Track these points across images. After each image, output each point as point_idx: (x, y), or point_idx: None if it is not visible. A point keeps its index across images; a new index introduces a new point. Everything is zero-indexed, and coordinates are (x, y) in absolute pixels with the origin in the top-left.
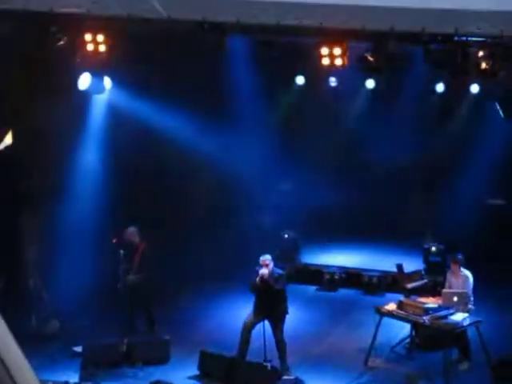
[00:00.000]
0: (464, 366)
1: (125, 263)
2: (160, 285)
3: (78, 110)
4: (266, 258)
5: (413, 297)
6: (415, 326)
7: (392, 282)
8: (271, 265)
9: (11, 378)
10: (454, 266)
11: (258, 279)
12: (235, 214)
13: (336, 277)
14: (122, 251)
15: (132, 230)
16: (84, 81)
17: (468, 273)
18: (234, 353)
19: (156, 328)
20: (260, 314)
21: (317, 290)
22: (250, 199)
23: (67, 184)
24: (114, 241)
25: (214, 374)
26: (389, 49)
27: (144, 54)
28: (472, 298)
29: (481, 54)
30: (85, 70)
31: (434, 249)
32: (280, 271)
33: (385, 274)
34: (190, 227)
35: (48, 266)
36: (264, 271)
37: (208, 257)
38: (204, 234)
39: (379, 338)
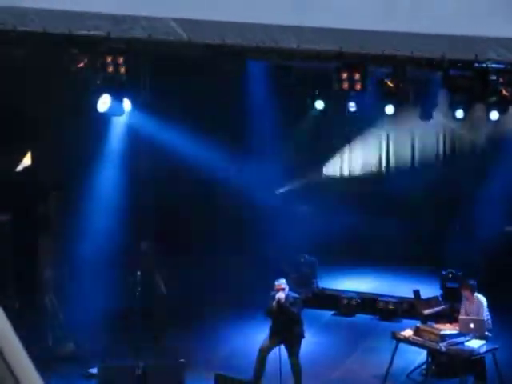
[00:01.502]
0: None
1: (142, 284)
2: (175, 306)
3: (97, 132)
4: (282, 283)
5: (429, 323)
6: (431, 352)
7: (409, 308)
8: (287, 289)
9: (10, 370)
10: (465, 292)
11: (274, 303)
12: (249, 239)
13: (353, 302)
14: (138, 272)
15: (147, 245)
16: (103, 103)
17: (482, 298)
18: (250, 377)
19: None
20: (276, 338)
21: (333, 314)
22: (266, 223)
23: (85, 207)
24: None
25: None
26: (408, 74)
27: (164, 78)
28: (489, 322)
29: (501, 80)
30: (104, 92)
31: (451, 275)
32: (296, 295)
33: (401, 300)
34: (206, 252)
35: (64, 288)
36: (280, 295)
37: (223, 281)
38: (220, 259)
39: (395, 365)
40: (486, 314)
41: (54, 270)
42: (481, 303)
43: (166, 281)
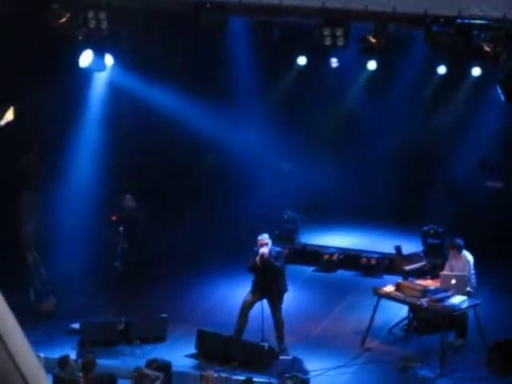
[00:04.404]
0: (458, 342)
1: (124, 240)
2: (159, 262)
3: (79, 89)
4: (265, 237)
5: (411, 279)
6: (413, 308)
7: (390, 264)
8: (270, 243)
9: (14, 362)
10: (453, 251)
11: (257, 258)
12: (235, 195)
13: (334, 258)
14: (121, 228)
15: (130, 197)
16: (86, 58)
17: (469, 255)
18: (231, 332)
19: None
20: (259, 292)
21: (314, 270)
22: (249, 179)
23: (67, 161)
24: (114, 218)
25: (211, 352)
26: (390, 30)
27: (146, 33)
28: (473, 281)
29: (483, 36)
30: (87, 47)
31: (432, 231)
32: (279, 249)
33: (383, 256)
34: (191, 207)
35: (46, 243)
36: (264, 250)
37: (206, 236)
38: (204, 215)
39: (376, 320)
40: (471, 271)
41: (35, 226)
42: (467, 261)
43: (149, 237)
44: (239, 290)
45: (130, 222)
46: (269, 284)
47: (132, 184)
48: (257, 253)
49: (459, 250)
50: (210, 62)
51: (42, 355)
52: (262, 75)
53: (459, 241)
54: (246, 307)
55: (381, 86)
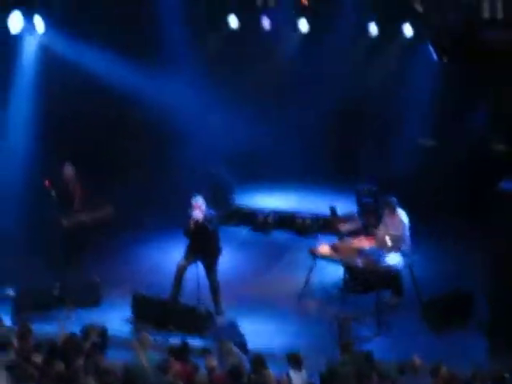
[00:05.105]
0: (394, 301)
1: (58, 205)
2: (94, 226)
3: (8, 53)
4: (198, 200)
5: (346, 238)
6: (348, 268)
7: (325, 225)
8: (203, 206)
9: None
10: (386, 209)
11: (192, 223)
12: (167, 155)
13: (269, 219)
14: (53, 192)
15: (69, 167)
16: (14, 21)
17: (403, 214)
18: (167, 296)
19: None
20: (193, 255)
21: (249, 230)
22: (180, 136)
23: None
24: (47, 183)
25: (147, 316)
26: None
27: None
28: (407, 239)
29: None
30: (15, 9)
31: (366, 190)
32: (212, 211)
33: (318, 217)
34: (125, 168)
35: None
36: (198, 215)
37: (139, 199)
38: (137, 174)
39: (313, 281)
40: (406, 230)
41: None
42: (402, 220)
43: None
44: (174, 254)
45: (66, 187)
46: (203, 246)
47: (67, 148)
48: (191, 216)
49: (393, 208)
50: (138, 21)
51: None
52: (192, 33)
53: (393, 199)
54: (181, 270)
55: (314, 47)
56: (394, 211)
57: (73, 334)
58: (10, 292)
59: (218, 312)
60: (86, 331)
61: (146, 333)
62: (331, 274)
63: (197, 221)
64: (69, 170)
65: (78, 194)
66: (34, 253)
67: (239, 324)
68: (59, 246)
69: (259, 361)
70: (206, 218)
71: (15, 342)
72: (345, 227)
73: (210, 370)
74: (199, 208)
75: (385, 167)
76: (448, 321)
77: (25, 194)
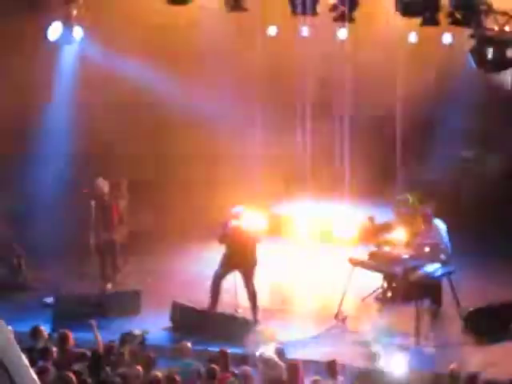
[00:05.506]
0: (433, 310)
1: (95, 216)
2: (135, 235)
3: (47, 61)
4: (239, 211)
5: (385, 248)
6: (387, 277)
7: (364, 234)
8: (243, 216)
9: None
10: (423, 219)
11: (230, 231)
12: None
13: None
14: (93, 202)
15: (101, 181)
16: (54, 31)
17: (440, 223)
18: (205, 305)
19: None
20: (231, 265)
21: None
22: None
23: (40, 136)
24: (85, 191)
25: (185, 325)
26: None
27: None
28: (447, 247)
29: (454, 3)
30: (55, 20)
31: (405, 200)
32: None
33: (357, 226)
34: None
35: (19, 216)
36: (239, 223)
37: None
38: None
39: (351, 289)
40: (444, 240)
41: (8, 196)
42: (440, 229)
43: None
44: (212, 264)
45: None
46: (241, 256)
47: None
48: (226, 225)
49: (429, 218)
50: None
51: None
52: None
53: (428, 209)
54: (218, 280)
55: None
56: (430, 221)
57: (111, 342)
58: (49, 300)
59: (256, 320)
60: (124, 339)
61: (185, 341)
62: (370, 283)
63: (236, 229)
64: (102, 184)
65: (115, 209)
66: (73, 261)
67: (276, 333)
68: (99, 255)
69: (295, 369)
70: (246, 227)
71: (54, 350)
72: (383, 236)
73: (246, 379)
74: (238, 217)
75: (425, 177)
76: (489, 331)
77: (66, 202)
